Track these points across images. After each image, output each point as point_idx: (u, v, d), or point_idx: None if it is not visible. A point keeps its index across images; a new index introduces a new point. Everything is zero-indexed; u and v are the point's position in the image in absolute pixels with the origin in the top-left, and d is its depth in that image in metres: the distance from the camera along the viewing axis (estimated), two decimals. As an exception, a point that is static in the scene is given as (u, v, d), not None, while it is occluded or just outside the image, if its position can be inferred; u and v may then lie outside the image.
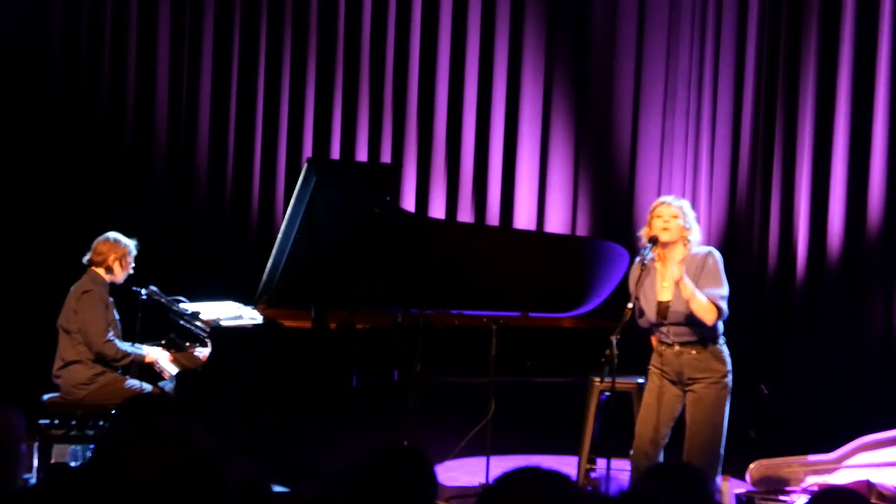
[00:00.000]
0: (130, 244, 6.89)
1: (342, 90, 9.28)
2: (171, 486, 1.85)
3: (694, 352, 5.80)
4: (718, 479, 5.89)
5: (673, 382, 5.86)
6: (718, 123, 8.83)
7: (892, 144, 8.28)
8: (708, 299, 5.71)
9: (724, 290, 5.79)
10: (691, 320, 5.76)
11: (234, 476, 1.92)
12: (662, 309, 5.82)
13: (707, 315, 5.71)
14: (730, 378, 5.82)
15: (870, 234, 8.31)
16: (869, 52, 8.34)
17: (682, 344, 5.81)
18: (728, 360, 5.83)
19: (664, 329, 5.84)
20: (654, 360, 5.94)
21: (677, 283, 5.69)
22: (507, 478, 2.30)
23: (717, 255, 5.89)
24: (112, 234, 6.90)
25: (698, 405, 5.78)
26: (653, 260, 5.89)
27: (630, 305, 5.74)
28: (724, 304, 5.76)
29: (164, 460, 1.85)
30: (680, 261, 5.80)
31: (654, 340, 5.99)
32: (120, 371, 6.79)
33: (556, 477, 2.29)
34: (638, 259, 5.92)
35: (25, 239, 9.03)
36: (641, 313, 5.91)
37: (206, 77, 9.30)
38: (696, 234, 5.89)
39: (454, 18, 9.22)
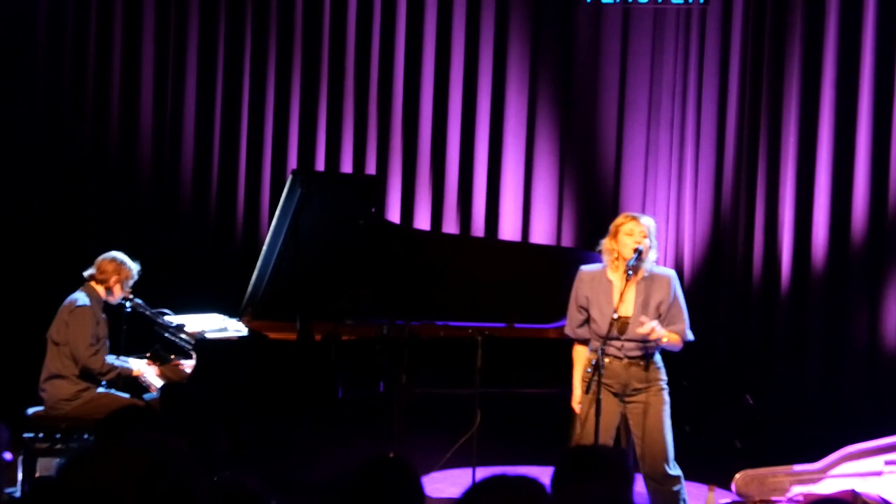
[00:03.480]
0: (134, 269, 6.84)
1: (327, 101, 9.27)
2: (134, 501, 1.84)
3: (642, 363, 5.89)
4: (676, 467, 5.94)
5: (614, 394, 5.91)
6: (703, 134, 8.86)
7: (875, 153, 8.31)
8: (677, 334, 5.90)
9: (687, 318, 5.98)
10: (645, 337, 5.82)
11: (202, 495, 1.91)
12: (622, 324, 5.84)
13: (676, 347, 5.94)
14: (666, 383, 5.99)
15: (854, 244, 8.33)
16: (852, 63, 8.37)
17: (631, 358, 5.87)
18: (663, 367, 5.99)
19: (618, 343, 5.88)
20: (596, 372, 5.87)
21: (650, 336, 5.80)
22: (476, 488, 2.31)
23: (677, 278, 6.04)
24: (119, 256, 6.83)
25: (648, 411, 5.89)
26: (595, 268, 5.97)
27: (615, 315, 5.76)
28: (691, 334, 5.98)
29: (128, 477, 1.85)
30: (638, 280, 5.86)
31: (583, 351, 6.02)
32: (104, 384, 6.77)
33: (525, 482, 2.30)
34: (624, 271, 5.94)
35: (10, 250, 8.99)
36: (583, 323, 5.95)
37: (191, 87, 9.29)
38: (654, 253, 5.96)
39: (438, 29, 9.23)
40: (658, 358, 5.96)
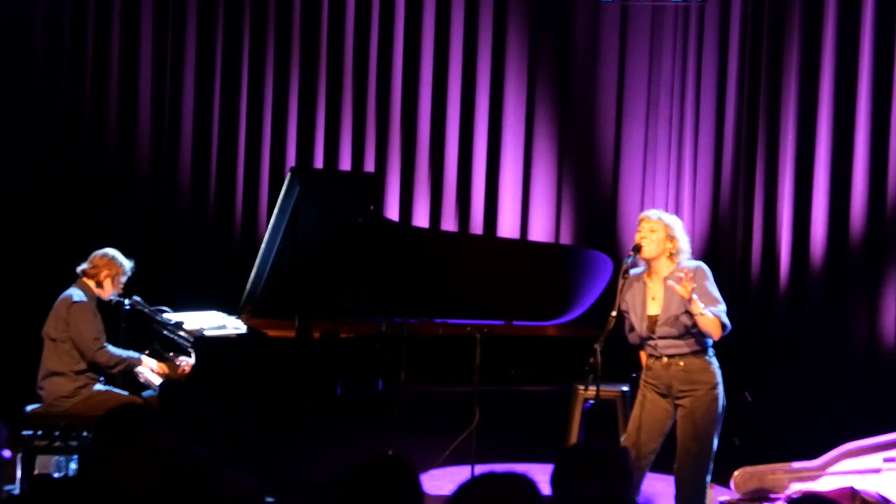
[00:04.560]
0: (126, 265, 6.88)
1: (325, 99, 9.26)
2: (160, 496, 1.84)
3: (682, 363, 5.82)
4: (707, 488, 5.90)
5: (663, 395, 5.88)
6: (701, 132, 8.86)
7: (874, 151, 8.32)
8: (714, 315, 5.73)
9: (724, 305, 5.83)
10: (679, 333, 5.79)
11: (222, 486, 1.91)
12: (651, 323, 5.84)
13: (713, 330, 5.74)
14: (720, 390, 5.84)
15: (852, 242, 8.34)
16: (850, 61, 8.38)
17: (669, 356, 5.83)
18: (717, 372, 5.86)
19: (652, 342, 5.87)
20: (644, 373, 5.97)
21: (689, 301, 5.67)
22: (467, 486, 2.32)
23: (707, 269, 5.91)
24: (111, 251, 6.89)
25: (688, 417, 5.82)
26: (637, 271, 5.92)
27: (614, 314, 5.78)
28: (727, 320, 5.79)
29: (153, 471, 1.85)
30: (666, 277, 5.82)
31: (643, 355, 6.01)
32: (102, 380, 6.78)
33: (515, 479, 2.31)
34: (623, 270, 5.93)
35: (8, 248, 8.98)
36: (631, 328, 5.94)
37: (189, 86, 9.27)
38: (683, 245, 5.90)
39: (437, 28, 9.23)
40: (710, 358, 5.85)
